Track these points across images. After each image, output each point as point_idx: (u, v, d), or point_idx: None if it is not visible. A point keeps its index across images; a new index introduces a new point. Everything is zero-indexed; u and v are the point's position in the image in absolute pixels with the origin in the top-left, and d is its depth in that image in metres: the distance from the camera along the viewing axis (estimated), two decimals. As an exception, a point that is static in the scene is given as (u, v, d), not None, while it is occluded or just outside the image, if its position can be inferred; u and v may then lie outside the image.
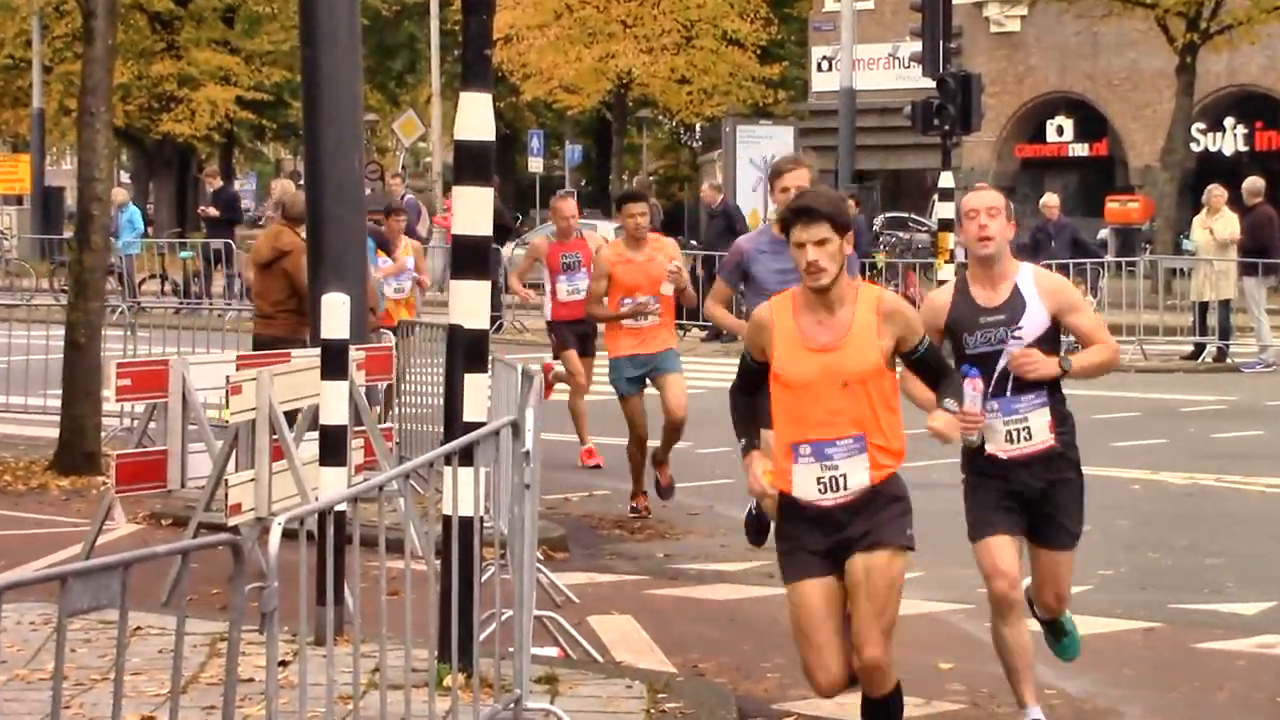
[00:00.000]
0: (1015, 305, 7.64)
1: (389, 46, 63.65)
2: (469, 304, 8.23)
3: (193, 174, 55.63)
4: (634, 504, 13.69)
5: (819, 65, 51.98)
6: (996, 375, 7.59)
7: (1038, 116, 49.87)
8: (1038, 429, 7.63)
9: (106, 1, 15.33)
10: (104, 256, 16.18)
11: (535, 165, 55.88)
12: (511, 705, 7.41)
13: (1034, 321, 7.62)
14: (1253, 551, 12.45)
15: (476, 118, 8.25)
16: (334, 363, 8.77)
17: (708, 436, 15.76)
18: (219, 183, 37.89)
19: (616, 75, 50.80)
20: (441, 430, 8.61)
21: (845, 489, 6.93)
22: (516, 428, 7.65)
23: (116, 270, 31.58)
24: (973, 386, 7.47)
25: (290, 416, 10.22)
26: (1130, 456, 16.41)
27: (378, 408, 14.33)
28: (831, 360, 6.90)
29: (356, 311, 10.90)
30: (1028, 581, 7.90)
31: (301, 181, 18.66)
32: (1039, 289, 7.69)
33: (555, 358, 16.23)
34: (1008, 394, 7.62)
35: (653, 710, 7.91)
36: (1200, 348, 26.16)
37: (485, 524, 8.23)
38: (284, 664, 7.94)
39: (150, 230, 43.29)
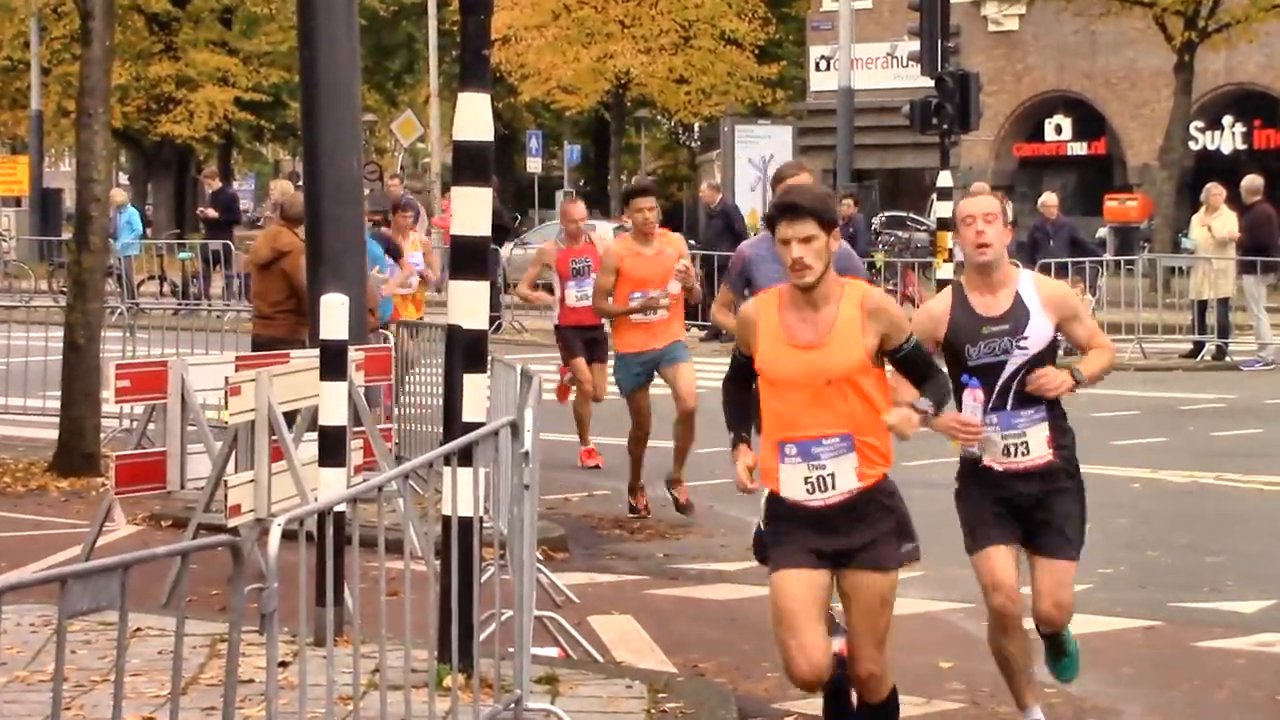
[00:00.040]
0: (1018, 315, 7.47)
1: (387, 47, 63.65)
2: (468, 304, 8.22)
3: (191, 175, 55.62)
4: (632, 501, 13.66)
5: (817, 65, 51.99)
6: (998, 388, 7.43)
7: (1036, 115, 49.88)
8: (1036, 444, 7.47)
9: (104, 3, 15.33)
10: (103, 258, 16.18)
11: (534, 165, 55.91)
12: (512, 705, 7.41)
13: (1038, 332, 7.45)
14: (1252, 550, 12.45)
15: (475, 118, 8.25)
16: (333, 363, 8.77)
17: (708, 437, 15.72)
18: (217, 184, 37.89)
19: (615, 75, 50.80)
20: (441, 431, 8.61)
21: (833, 489, 6.82)
22: (516, 428, 7.65)
23: (115, 271, 31.57)
24: (973, 397, 7.37)
25: (289, 417, 10.22)
26: (1130, 455, 16.41)
27: (378, 408, 14.33)
28: (814, 357, 6.80)
29: (355, 312, 10.89)
30: (1026, 589, 7.82)
31: (300, 182, 18.65)
32: (1041, 298, 7.50)
33: (565, 363, 16.15)
34: (1008, 408, 7.46)
35: (653, 710, 7.91)
36: (1199, 346, 26.16)
37: (485, 524, 8.23)
38: (284, 665, 7.94)
39: (149, 231, 43.27)
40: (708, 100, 51.87)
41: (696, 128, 63.54)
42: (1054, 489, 7.53)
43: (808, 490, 6.84)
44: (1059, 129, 49.75)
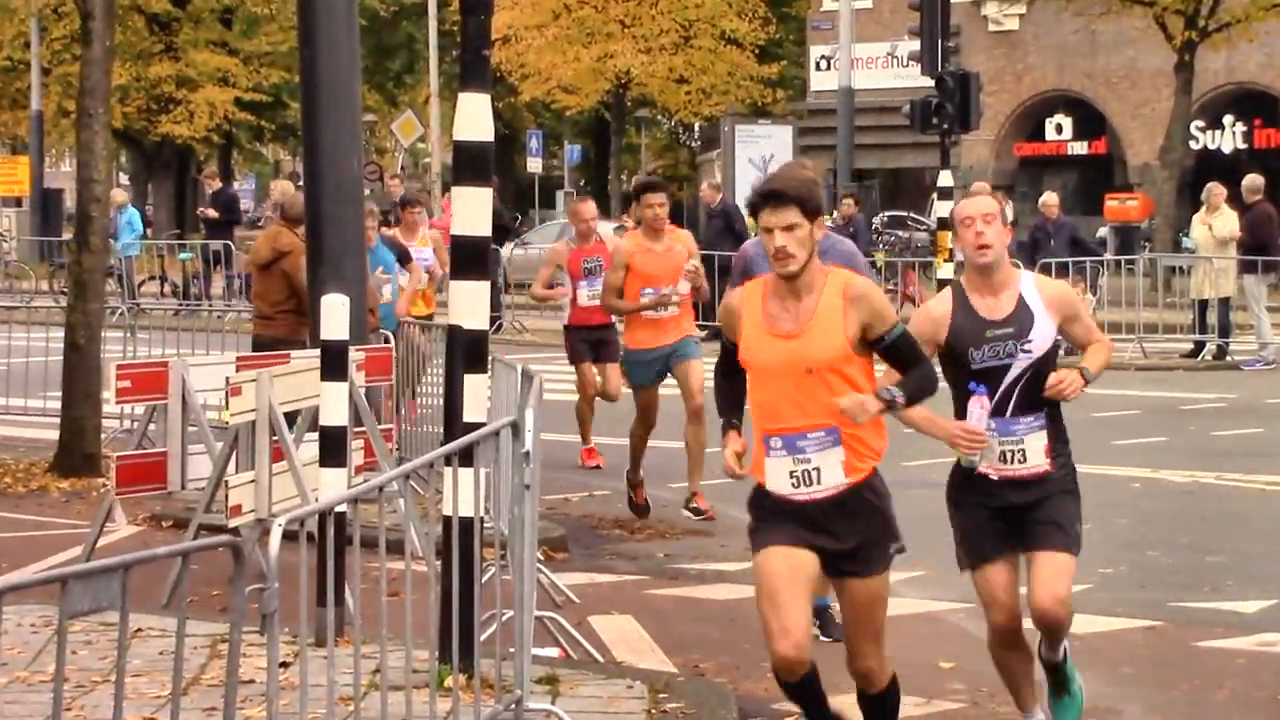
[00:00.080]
0: (1023, 317, 7.33)
1: (387, 47, 63.66)
2: (468, 304, 8.23)
3: (191, 175, 55.64)
4: (631, 495, 13.59)
5: (817, 64, 52.00)
6: (999, 394, 7.29)
7: (1036, 115, 49.88)
8: (1033, 452, 7.33)
9: (104, 3, 15.33)
10: (103, 258, 16.18)
11: (534, 165, 55.92)
12: (512, 706, 7.41)
13: (1042, 334, 7.33)
14: (1253, 549, 12.45)
15: (475, 118, 8.25)
16: (333, 364, 8.77)
17: (708, 436, 15.75)
18: (218, 184, 37.89)
19: (615, 75, 50.81)
20: (441, 431, 8.61)
21: (818, 483, 6.72)
22: (516, 428, 7.65)
23: (116, 272, 31.59)
24: (979, 404, 7.25)
25: (290, 418, 10.22)
26: (1130, 455, 16.41)
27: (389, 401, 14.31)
28: (795, 346, 6.69)
29: (356, 312, 10.89)
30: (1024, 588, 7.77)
31: (300, 182, 18.65)
32: (1044, 299, 7.38)
33: (570, 363, 16.13)
34: (1007, 414, 7.32)
35: (653, 710, 7.91)
36: (1200, 345, 26.16)
37: (485, 524, 8.23)
38: (285, 665, 7.94)
39: (149, 232, 43.29)
40: (708, 100, 51.88)
41: (697, 127, 63.53)
42: (1048, 495, 7.36)
43: (793, 484, 6.76)
44: (1059, 128, 49.75)
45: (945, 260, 27.54)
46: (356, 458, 10.70)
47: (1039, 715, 7.67)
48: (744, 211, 34.01)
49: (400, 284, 16.28)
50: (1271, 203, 26.95)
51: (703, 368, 13.43)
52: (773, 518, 6.81)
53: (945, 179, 29.00)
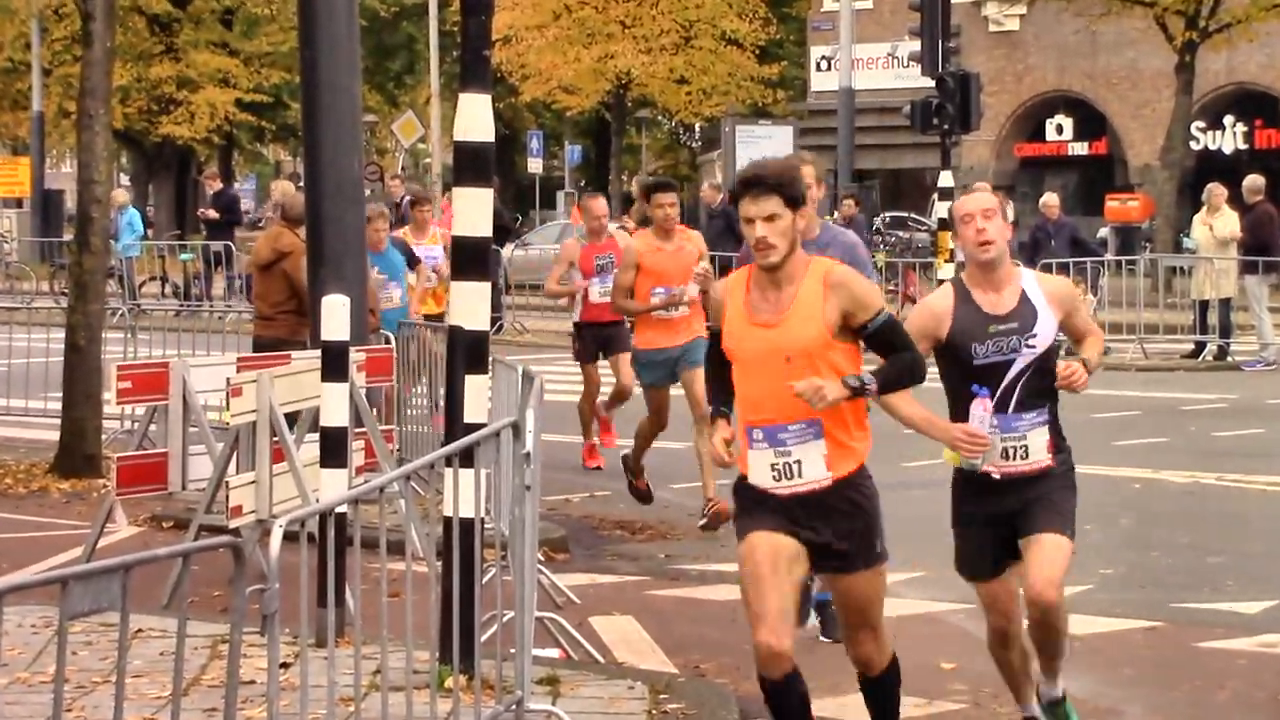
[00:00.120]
0: (1026, 313, 7.26)
1: (388, 47, 63.66)
2: (469, 305, 8.23)
3: (192, 176, 55.68)
4: (631, 481, 13.55)
5: (818, 65, 52.01)
6: (1000, 390, 7.22)
7: (1037, 115, 49.88)
8: (1035, 448, 7.27)
9: (105, 4, 15.33)
10: (104, 259, 16.18)
11: (535, 166, 55.93)
12: (513, 706, 7.41)
13: (1045, 330, 7.28)
14: (1254, 550, 12.45)
15: (476, 119, 8.25)
16: (334, 364, 8.77)
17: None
18: (218, 185, 37.90)
19: (615, 75, 50.81)
20: (442, 432, 8.61)
21: (799, 476, 6.64)
22: (517, 429, 7.65)
23: (116, 273, 31.61)
24: (982, 407, 7.16)
25: (291, 418, 10.22)
26: (1131, 455, 16.40)
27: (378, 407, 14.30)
28: (774, 335, 6.61)
29: (356, 313, 10.89)
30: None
31: (301, 183, 18.66)
32: (1046, 294, 7.33)
33: (575, 360, 16.12)
34: (1010, 410, 7.25)
35: (654, 711, 7.91)
36: (1201, 346, 26.15)
37: (486, 525, 8.22)
38: (285, 666, 7.94)
39: (150, 232, 43.32)
40: (708, 100, 51.88)
41: (697, 128, 63.55)
42: (1045, 491, 7.29)
43: (774, 477, 6.68)
44: (1060, 129, 49.75)
45: (946, 261, 27.54)
46: (357, 458, 10.70)
47: (1035, 709, 7.66)
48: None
49: (409, 281, 16.32)
50: (1272, 203, 26.95)
51: None
52: (756, 506, 6.76)
53: (946, 179, 29.01)
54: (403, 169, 55.97)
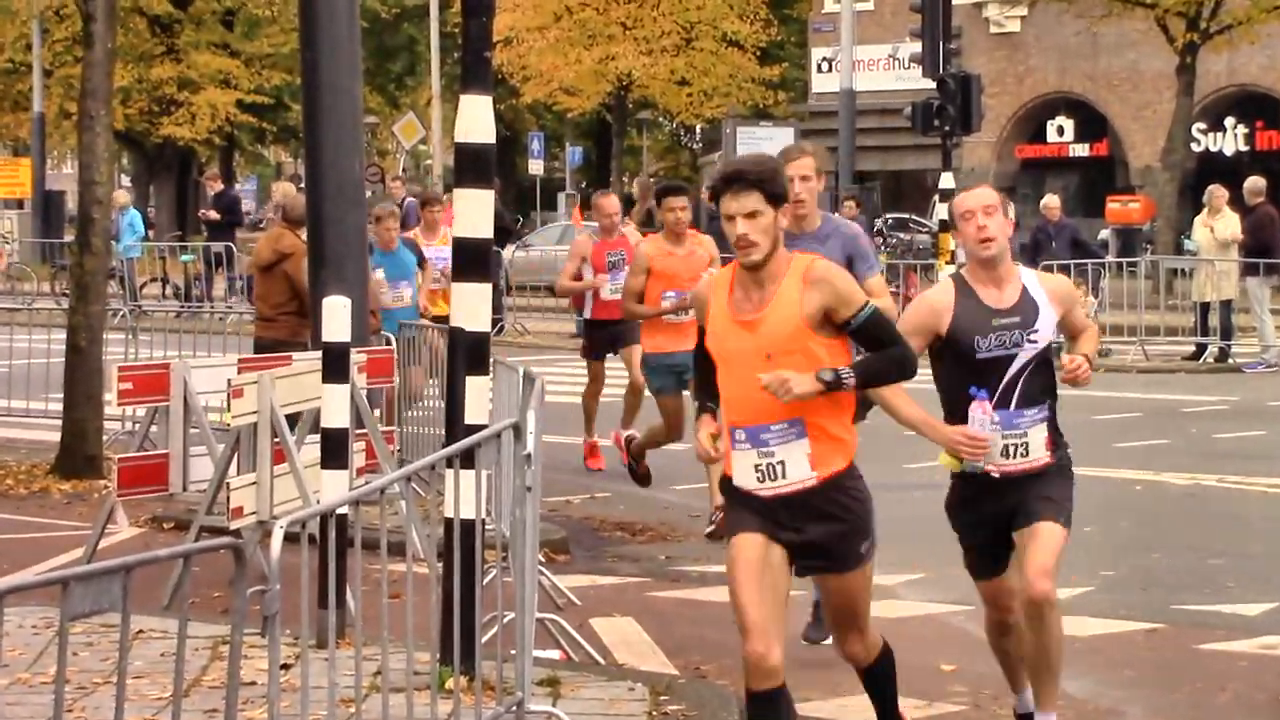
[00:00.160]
0: (1028, 308, 7.21)
1: (389, 49, 63.70)
2: (470, 306, 8.23)
3: (193, 177, 55.70)
4: (633, 464, 13.53)
5: (819, 66, 52.01)
6: (1002, 385, 7.17)
7: (1038, 117, 49.89)
8: (1035, 446, 7.23)
9: (106, 5, 15.33)
10: (105, 260, 16.18)
11: (535, 167, 55.92)
12: (514, 708, 7.41)
13: (1046, 326, 7.24)
14: (1255, 552, 12.45)
15: (477, 120, 8.25)
16: (335, 366, 8.77)
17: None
18: (219, 186, 37.92)
19: (616, 77, 50.82)
20: (443, 433, 8.61)
21: (783, 477, 6.54)
22: (518, 430, 7.65)
23: (117, 273, 31.62)
24: (981, 409, 7.11)
25: (292, 419, 10.22)
26: (1132, 457, 16.40)
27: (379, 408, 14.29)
28: (754, 333, 6.51)
29: (357, 314, 10.89)
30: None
31: (302, 184, 18.65)
32: (1047, 291, 7.29)
33: (583, 356, 16.12)
34: (1012, 406, 7.19)
35: (655, 712, 7.92)
36: (1202, 348, 26.14)
37: (487, 526, 8.22)
38: (286, 667, 7.94)
39: (151, 234, 43.33)
40: (709, 102, 51.89)
41: (698, 129, 63.57)
42: (1043, 486, 7.24)
43: (758, 478, 6.59)
44: (1061, 130, 49.76)
45: (947, 262, 27.56)
46: (358, 460, 10.70)
47: (1028, 694, 7.63)
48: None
49: (419, 281, 16.36)
50: (1273, 205, 26.96)
51: None
52: (740, 507, 6.69)
53: (947, 181, 29.02)
54: (404, 170, 55.97)
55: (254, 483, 9.89)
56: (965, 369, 7.21)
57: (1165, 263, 31.33)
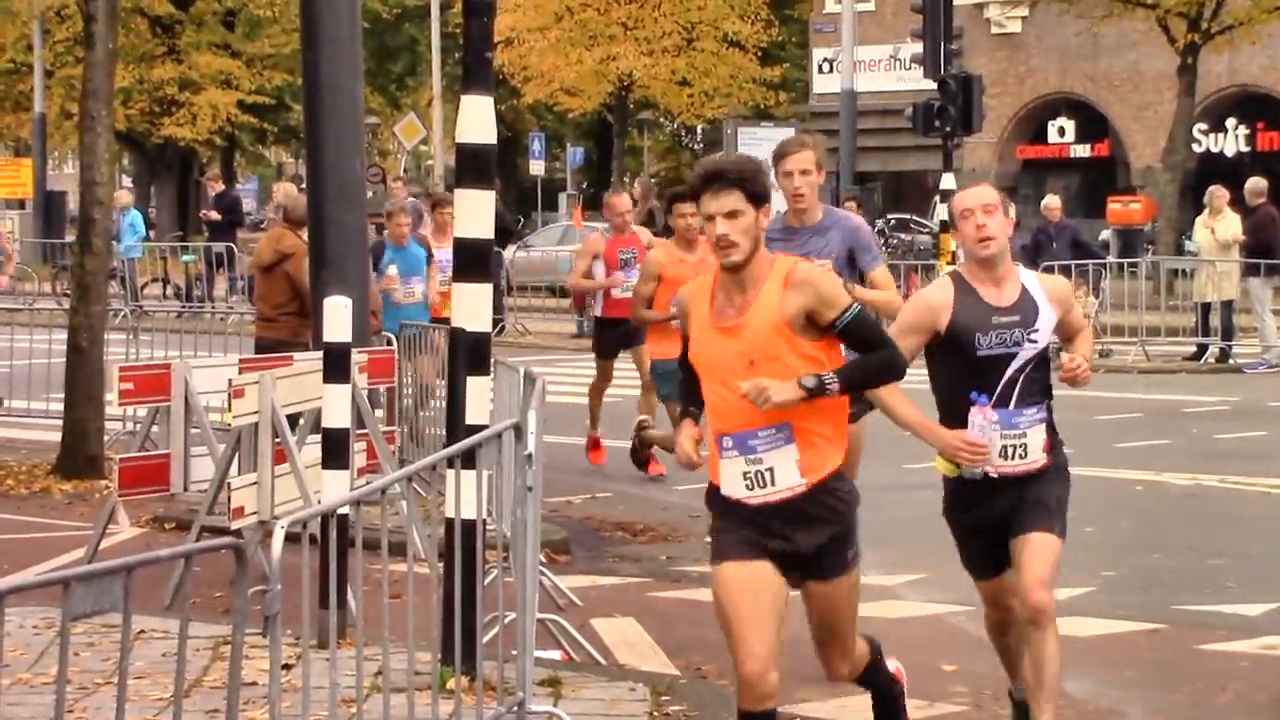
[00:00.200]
0: (1028, 307, 7.15)
1: (390, 49, 63.70)
2: (471, 307, 8.23)
3: (194, 177, 55.72)
4: (637, 445, 13.53)
5: (820, 67, 52.01)
6: (1001, 384, 7.11)
7: (1039, 117, 49.89)
8: (1034, 446, 7.17)
9: (107, 6, 15.34)
10: (106, 260, 16.18)
11: (536, 168, 55.91)
12: (515, 708, 7.41)
13: (1046, 325, 7.18)
14: (1256, 552, 12.44)
15: (477, 120, 8.25)
16: (336, 366, 8.78)
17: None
18: (220, 186, 37.94)
19: (617, 77, 50.83)
20: (444, 433, 8.61)
21: (773, 484, 6.35)
22: (519, 430, 7.65)
23: (118, 274, 31.62)
24: (981, 414, 7.05)
25: (293, 420, 10.23)
26: (1133, 457, 16.40)
27: (381, 411, 14.30)
28: (735, 339, 6.34)
29: (358, 314, 10.90)
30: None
31: (303, 185, 18.67)
32: (1046, 291, 7.23)
33: (593, 351, 16.12)
34: (1011, 405, 7.12)
35: (655, 713, 7.92)
36: (1203, 348, 26.14)
37: (488, 527, 8.23)
38: (287, 667, 7.94)
39: (152, 234, 43.34)
40: (710, 102, 51.91)
41: (699, 130, 63.59)
42: (1038, 489, 7.19)
43: (747, 486, 6.40)
44: (1062, 131, 49.76)
45: (948, 263, 27.54)
46: (359, 460, 10.70)
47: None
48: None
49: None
50: (1274, 206, 26.95)
51: None
52: (727, 520, 6.49)
53: (948, 181, 29.00)
54: (405, 171, 56.00)
55: (255, 483, 9.90)
56: (965, 367, 7.15)
57: (1166, 263, 31.33)
